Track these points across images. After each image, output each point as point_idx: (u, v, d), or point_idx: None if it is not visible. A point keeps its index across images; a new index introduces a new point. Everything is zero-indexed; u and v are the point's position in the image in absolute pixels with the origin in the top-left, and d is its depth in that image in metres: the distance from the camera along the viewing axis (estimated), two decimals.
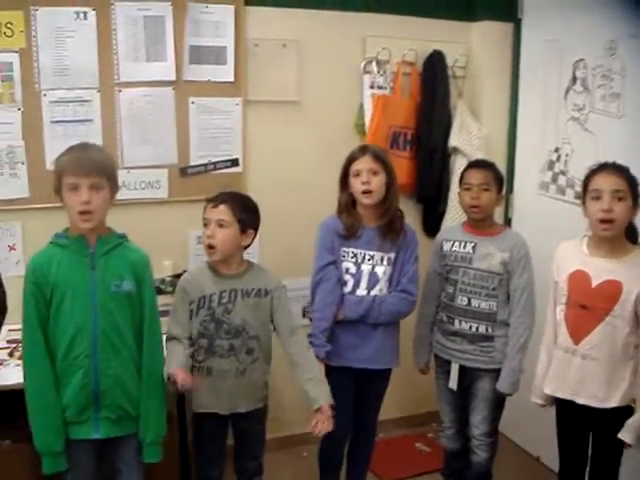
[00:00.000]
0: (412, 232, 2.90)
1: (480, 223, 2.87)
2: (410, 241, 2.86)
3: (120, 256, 2.36)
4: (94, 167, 2.25)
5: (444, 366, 2.98)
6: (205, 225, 2.61)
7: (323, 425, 2.55)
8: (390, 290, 2.83)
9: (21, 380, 2.56)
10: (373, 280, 2.81)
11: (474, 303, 2.84)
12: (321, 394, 2.59)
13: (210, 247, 2.58)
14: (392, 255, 2.82)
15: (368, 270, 2.81)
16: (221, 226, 2.57)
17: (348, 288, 2.82)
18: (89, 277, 2.29)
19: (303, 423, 3.48)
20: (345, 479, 3.13)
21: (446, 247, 2.93)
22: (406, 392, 3.71)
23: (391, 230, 2.80)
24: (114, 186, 2.35)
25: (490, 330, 2.83)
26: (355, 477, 3.13)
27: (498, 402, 2.88)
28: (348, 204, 2.81)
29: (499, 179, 2.89)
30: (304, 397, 2.60)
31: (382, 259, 2.81)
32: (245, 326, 2.62)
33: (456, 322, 2.88)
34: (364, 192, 2.73)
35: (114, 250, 2.35)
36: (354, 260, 2.81)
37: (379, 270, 2.81)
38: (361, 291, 2.81)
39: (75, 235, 2.32)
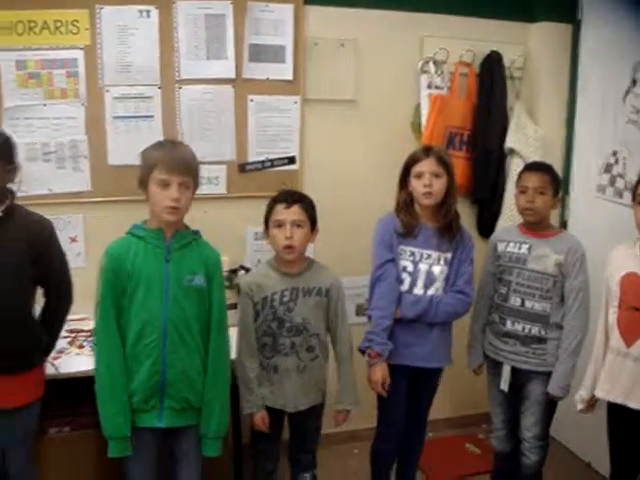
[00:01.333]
0: (468, 234, 2.91)
1: (535, 225, 2.85)
2: (466, 242, 2.86)
3: (194, 252, 2.41)
4: (186, 166, 2.32)
5: (496, 367, 2.96)
6: (279, 226, 2.61)
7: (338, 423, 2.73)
8: (446, 290, 2.83)
9: (81, 368, 2.67)
10: (430, 279, 2.81)
11: (528, 304, 2.82)
12: (347, 398, 2.71)
13: (289, 247, 2.60)
14: (449, 255, 2.82)
15: (425, 269, 2.81)
16: (298, 226, 2.60)
17: (405, 287, 2.82)
18: (163, 269, 2.34)
19: (354, 420, 3.51)
20: (395, 477, 3.14)
21: (501, 248, 2.92)
22: (458, 392, 3.71)
23: (448, 230, 2.80)
24: (197, 184, 2.42)
25: (543, 332, 2.81)
26: (405, 475, 3.14)
27: (549, 405, 2.86)
28: (407, 203, 2.82)
29: (556, 182, 2.87)
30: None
31: (439, 259, 2.81)
32: (306, 324, 2.65)
33: (508, 323, 2.86)
34: (425, 194, 2.73)
35: (188, 245, 2.41)
36: (412, 259, 2.81)
37: (436, 269, 2.81)
38: (418, 290, 2.81)
39: (153, 227, 2.38)
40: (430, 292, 2.80)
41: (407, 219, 2.79)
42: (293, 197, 2.63)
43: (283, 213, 2.60)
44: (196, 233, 2.46)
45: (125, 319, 2.34)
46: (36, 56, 3.05)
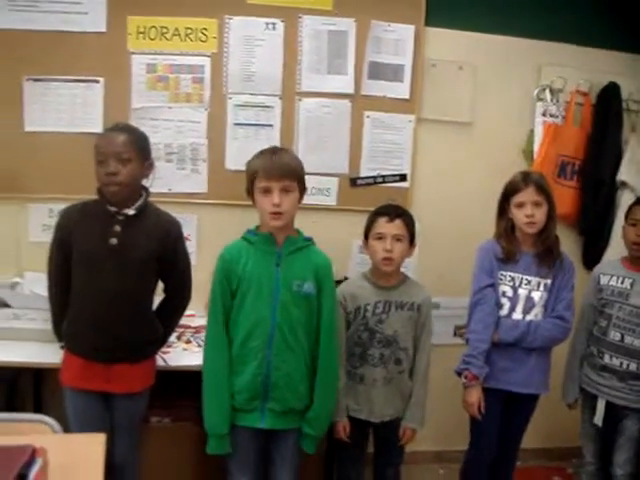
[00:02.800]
0: (569, 260, 2.87)
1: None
2: (567, 268, 2.83)
3: (305, 258, 2.44)
4: (285, 171, 2.35)
5: (590, 400, 2.91)
6: (379, 238, 2.65)
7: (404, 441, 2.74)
8: (545, 316, 2.80)
9: (187, 362, 2.75)
10: (529, 305, 2.80)
11: (627, 340, 2.77)
12: (415, 417, 2.72)
13: (388, 260, 2.63)
14: (549, 281, 2.80)
15: (525, 294, 2.80)
16: (398, 240, 2.63)
17: (504, 311, 2.81)
18: (274, 274, 2.38)
19: (442, 441, 3.48)
20: None
21: (603, 281, 2.89)
22: (548, 423, 3.62)
23: (548, 256, 2.78)
24: (303, 187, 2.44)
25: None
26: None
27: None
28: (507, 230, 2.82)
29: None
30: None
31: (539, 284, 2.80)
32: (396, 337, 2.67)
33: (606, 357, 2.82)
34: (527, 223, 2.73)
35: (299, 251, 2.44)
36: (511, 284, 2.80)
37: (535, 295, 2.79)
38: (517, 315, 2.80)
39: (264, 233, 2.42)
40: (529, 317, 2.79)
41: (508, 246, 2.80)
42: (396, 211, 2.67)
43: (385, 226, 2.64)
44: (308, 240, 2.49)
45: (234, 321, 2.40)
46: (166, 60, 3.19)
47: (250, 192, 2.41)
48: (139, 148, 2.43)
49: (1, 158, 3.15)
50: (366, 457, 2.88)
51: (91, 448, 1.87)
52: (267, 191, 2.33)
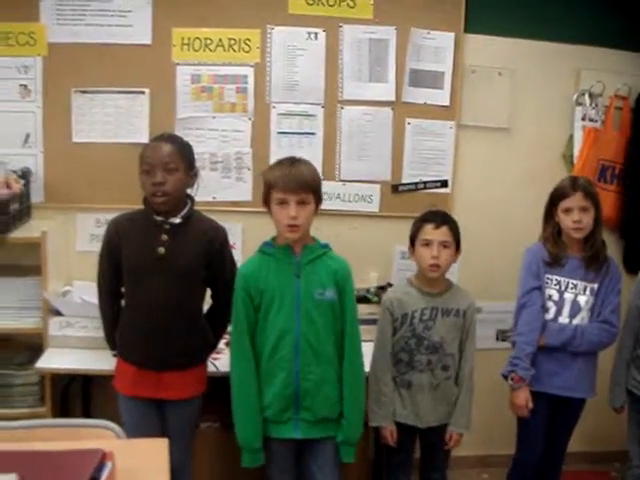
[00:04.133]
0: (616, 265, 2.90)
1: None
2: (614, 272, 2.86)
3: (323, 265, 2.47)
4: (302, 184, 2.36)
5: (638, 403, 2.91)
6: (426, 245, 2.68)
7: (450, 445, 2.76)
8: (591, 320, 2.83)
9: None
10: (575, 309, 2.82)
11: None
12: (461, 421, 2.74)
13: (435, 266, 2.66)
14: (595, 285, 2.82)
15: (571, 298, 2.82)
16: (445, 247, 2.66)
17: (550, 315, 2.84)
18: (294, 284, 2.41)
19: (485, 445, 3.49)
20: None
21: None
22: (592, 427, 3.61)
23: (595, 261, 2.81)
24: (319, 199, 2.45)
25: None
26: None
27: None
28: (554, 234, 2.85)
29: None
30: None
31: (585, 289, 2.82)
32: (443, 343, 2.70)
33: None
34: (575, 229, 2.75)
35: (318, 259, 2.46)
36: (557, 288, 2.83)
37: (581, 299, 2.82)
38: (563, 319, 2.83)
39: (282, 244, 2.45)
40: (575, 321, 2.81)
41: (555, 250, 2.82)
42: (442, 218, 2.70)
43: (432, 233, 2.66)
44: (325, 246, 2.51)
45: (260, 334, 2.43)
46: (210, 71, 3.24)
47: (266, 202, 2.43)
48: (184, 158, 2.48)
49: (50, 169, 3.22)
50: (413, 463, 2.91)
51: (155, 452, 1.90)
52: (283, 203, 2.35)
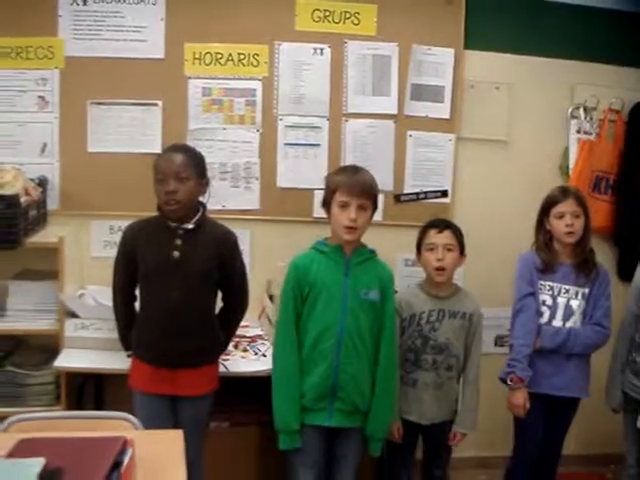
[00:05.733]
0: (605, 269, 3.03)
1: None
2: (603, 277, 2.98)
3: (370, 268, 2.61)
4: (365, 189, 2.52)
5: (633, 405, 2.97)
6: (431, 249, 2.82)
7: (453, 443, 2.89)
8: (583, 323, 2.95)
9: (242, 369, 2.90)
10: (568, 312, 2.95)
11: None
12: (466, 421, 2.87)
13: (441, 269, 2.79)
14: (586, 290, 2.95)
15: (563, 303, 2.95)
16: (449, 250, 2.80)
17: (544, 319, 2.96)
18: (342, 282, 2.55)
19: (484, 447, 3.57)
20: None
21: None
22: (587, 429, 3.70)
23: (585, 266, 2.94)
24: (375, 207, 2.61)
25: None
26: None
27: None
28: (545, 241, 2.98)
29: None
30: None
31: (577, 293, 2.95)
32: (448, 344, 2.83)
33: None
34: (567, 233, 2.88)
35: (366, 262, 2.61)
36: (550, 293, 2.96)
37: (574, 303, 2.95)
38: (557, 322, 2.95)
39: (334, 244, 2.59)
40: (568, 325, 2.94)
41: (547, 257, 2.95)
42: (445, 223, 2.87)
43: (435, 237, 2.81)
44: (372, 252, 2.66)
45: (304, 325, 2.56)
46: (220, 85, 3.38)
47: (326, 204, 2.57)
48: (196, 167, 2.58)
49: (66, 177, 3.34)
50: (415, 460, 3.03)
51: (171, 443, 2.02)
52: (345, 206, 2.49)
